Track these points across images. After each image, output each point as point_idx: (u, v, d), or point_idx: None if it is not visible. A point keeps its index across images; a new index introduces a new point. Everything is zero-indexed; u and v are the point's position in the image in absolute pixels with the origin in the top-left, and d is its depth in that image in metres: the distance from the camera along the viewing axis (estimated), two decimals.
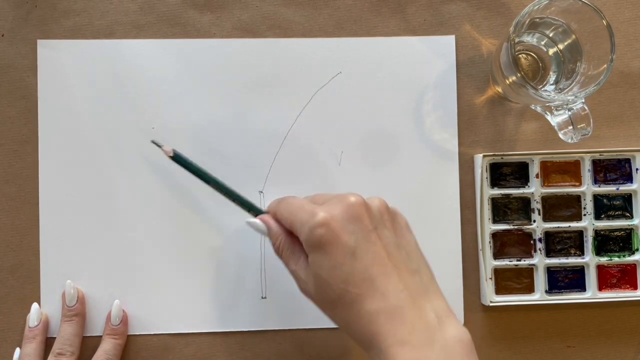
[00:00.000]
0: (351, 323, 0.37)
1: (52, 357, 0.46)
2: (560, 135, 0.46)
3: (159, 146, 0.46)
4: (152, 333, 0.49)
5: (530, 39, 0.48)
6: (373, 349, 0.36)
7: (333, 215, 0.38)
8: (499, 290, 0.49)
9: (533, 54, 0.49)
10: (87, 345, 0.48)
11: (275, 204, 0.44)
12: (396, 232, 0.40)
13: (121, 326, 0.48)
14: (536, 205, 0.50)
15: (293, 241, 0.41)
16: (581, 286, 0.50)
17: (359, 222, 0.38)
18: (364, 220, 0.38)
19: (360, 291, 0.37)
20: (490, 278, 0.49)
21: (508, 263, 0.49)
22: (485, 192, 0.49)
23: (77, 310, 0.48)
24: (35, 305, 0.48)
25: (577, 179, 0.50)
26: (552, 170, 0.50)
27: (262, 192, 0.50)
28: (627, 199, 0.50)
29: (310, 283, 0.39)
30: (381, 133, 0.50)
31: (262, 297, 0.49)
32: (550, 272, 0.50)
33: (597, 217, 0.50)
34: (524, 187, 0.50)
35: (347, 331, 0.38)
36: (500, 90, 0.49)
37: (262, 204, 0.50)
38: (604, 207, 0.50)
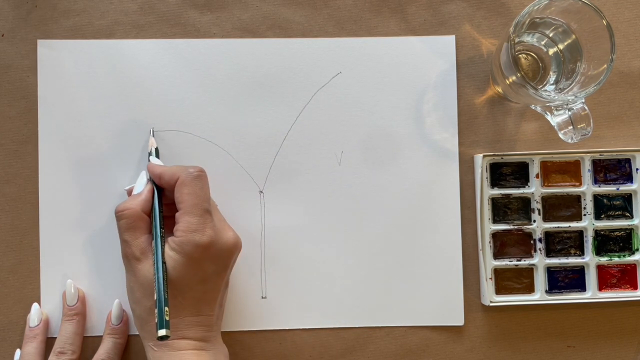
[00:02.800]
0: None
1: (53, 356, 0.46)
2: (560, 135, 0.46)
3: (152, 135, 0.48)
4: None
5: (530, 39, 0.48)
6: None
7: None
8: (499, 290, 0.49)
9: (533, 54, 0.49)
10: (87, 345, 0.48)
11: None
12: None
13: (122, 326, 0.48)
14: (536, 205, 0.50)
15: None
16: (581, 286, 0.50)
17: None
18: None
19: None
20: (490, 278, 0.49)
21: (508, 263, 0.49)
22: (485, 192, 0.49)
23: (78, 310, 0.48)
24: (35, 305, 0.48)
25: (577, 179, 0.50)
26: (552, 170, 0.50)
27: (262, 192, 0.50)
28: (627, 199, 0.50)
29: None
30: (381, 133, 0.50)
31: (262, 297, 0.49)
32: (550, 272, 0.50)
33: (597, 217, 0.50)
34: (524, 187, 0.50)
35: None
36: (500, 90, 0.49)
37: (262, 203, 0.50)
38: (604, 207, 0.50)
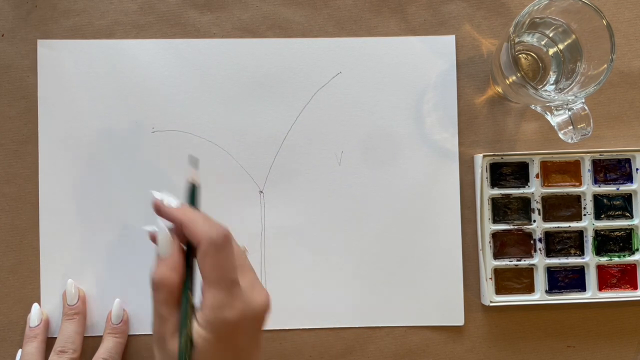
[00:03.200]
0: None
1: (54, 354, 0.46)
2: (560, 135, 0.46)
3: (193, 166, 0.42)
4: (152, 333, 0.49)
5: (530, 39, 0.48)
6: None
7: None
8: (499, 290, 0.50)
9: (533, 54, 0.49)
10: (87, 345, 0.48)
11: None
12: None
13: (122, 325, 0.48)
14: (536, 205, 0.50)
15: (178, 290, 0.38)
16: (581, 286, 0.50)
17: None
18: None
19: None
20: (490, 278, 0.49)
21: (508, 263, 0.49)
22: (485, 192, 0.49)
23: (78, 309, 0.48)
24: (35, 306, 0.48)
25: (577, 179, 0.50)
26: (552, 170, 0.50)
27: (262, 192, 0.50)
28: (627, 199, 0.50)
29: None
30: (381, 133, 0.50)
31: None
32: (550, 272, 0.50)
33: (597, 217, 0.50)
34: (524, 187, 0.50)
35: None
36: (500, 90, 0.49)
37: (262, 203, 0.50)
38: (604, 207, 0.50)
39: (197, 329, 0.36)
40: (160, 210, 0.39)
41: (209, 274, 0.36)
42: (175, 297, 0.37)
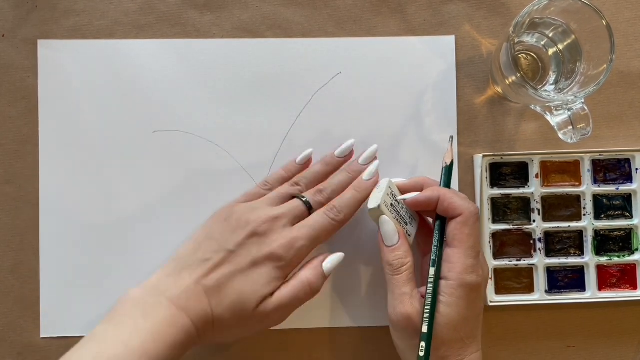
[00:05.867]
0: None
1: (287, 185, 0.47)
2: (560, 135, 0.46)
3: (450, 143, 0.47)
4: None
5: (530, 39, 0.48)
6: None
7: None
8: (499, 290, 0.50)
9: (533, 54, 0.49)
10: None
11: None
12: None
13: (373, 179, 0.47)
14: (536, 205, 0.50)
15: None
16: (581, 286, 0.50)
17: None
18: None
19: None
20: (490, 278, 0.49)
21: (508, 263, 0.49)
22: (485, 192, 0.49)
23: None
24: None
25: (577, 179, 0.50)
26: (552, 170, 0.50)
27: None
28: (627, 199, 0.50)
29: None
30: (381, 133, 0.50)
31: None
32: (550, 272, 0.50)
33: (597, 217, 0.50)
34: (524, 187, 0.50)
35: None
36: (500, 90, 0.49)
37: None
38: (603, 207, 0.50)
39: (448, 290, 0.41)
40: (443, 196, 0.43)
41: (465, 241, 0.41)
42: (413, 276, 0.43)
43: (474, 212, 0.42)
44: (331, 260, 0.44)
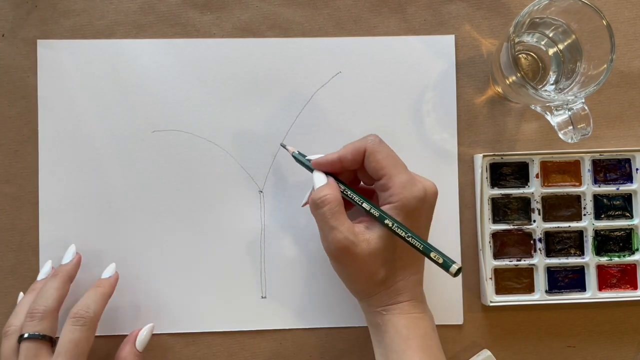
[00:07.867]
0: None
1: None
2: (560, 135, 0.46)
3: (284, 146, 0.47)
4: (152, 333, 0.49)
5: (530, 39, 0.48)
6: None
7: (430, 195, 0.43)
8: (499, 290, 0.50)
9: (533, 54, 0.49)
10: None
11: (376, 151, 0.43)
12: None
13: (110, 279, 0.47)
14: (536, 205, 0.50)
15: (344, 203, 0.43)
16: (581, 286, 0.50)
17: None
18: None
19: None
20: (490, 278, 0.49)
21: (508, 263, 0.49)
22: (485, 192, 0.49)
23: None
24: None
25: (577, 179, 0.50)
26: (552, 170, 0.50)
27: (262, 192, 0.50)
28: (627, 199, 0.50)
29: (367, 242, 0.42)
30: (381, 133, 0.50)
31: (262, 297, 0.49)
32: (550, 272, 0.50)
33: (597, 217, 0.50)
34: (524, 187, 0.50)
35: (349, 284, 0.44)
36: (500, 90, 0.49)
37: (262, 203, 0.50)
38: (604, 207, 0.50)
39: (390, 208, 0.41)
40: (320, 162, 0.44)
41: (386, 165, 0.42)
42: (340, 209, 0.42)
43: (374, 140, 0.42)
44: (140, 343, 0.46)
